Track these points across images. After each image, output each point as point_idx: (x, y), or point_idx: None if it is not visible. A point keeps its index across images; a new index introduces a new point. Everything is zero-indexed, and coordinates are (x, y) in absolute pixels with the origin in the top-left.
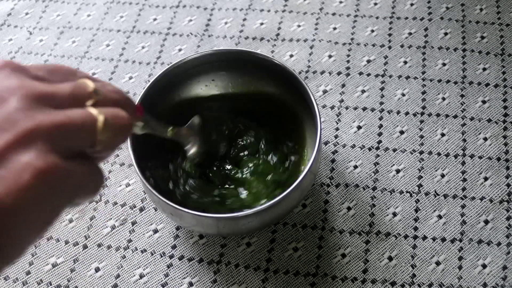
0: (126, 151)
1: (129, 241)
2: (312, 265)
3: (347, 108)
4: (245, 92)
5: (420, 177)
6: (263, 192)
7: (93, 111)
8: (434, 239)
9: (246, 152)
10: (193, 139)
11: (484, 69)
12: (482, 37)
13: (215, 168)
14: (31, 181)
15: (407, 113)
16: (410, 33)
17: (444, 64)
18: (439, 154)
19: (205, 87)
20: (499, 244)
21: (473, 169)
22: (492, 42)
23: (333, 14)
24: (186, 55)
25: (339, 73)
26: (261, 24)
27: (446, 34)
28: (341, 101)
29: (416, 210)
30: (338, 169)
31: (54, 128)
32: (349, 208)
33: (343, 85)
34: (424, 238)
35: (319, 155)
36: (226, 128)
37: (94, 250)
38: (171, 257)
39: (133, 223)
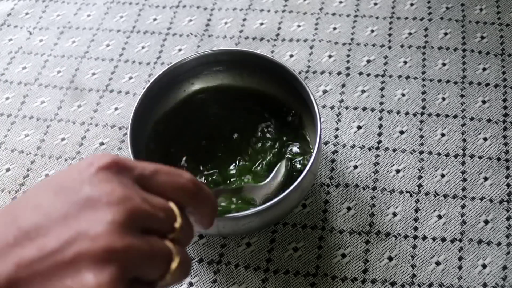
0: (126, 151)
1: None
2: (312, 265)
3: (347, 108)
4: (245, 92)
5: (420, 177)
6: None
7: (174, 250)
8: (434, 239)
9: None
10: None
11: (484, 69)
12: (482, 37)
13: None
14: None
15: (407, 113)
16: (410, 33)
17: (444, 64)
18: (439, 154)
19: (205, 87)
20: (499, 244)
21: (473, 169)
22: (492, 42)
23: (333, 14)
24: (186, 55)
25: (339, 73)
26: (261, 24)
27: (446, 34)
28: (341, 101)
29: (416, 210)
30: (338, 169)
31: (135, 257)
32: (349, 208)
33: (343, 85)
34: (424, 238)
35: (319, 155)
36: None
37: None
38: None
39: None
